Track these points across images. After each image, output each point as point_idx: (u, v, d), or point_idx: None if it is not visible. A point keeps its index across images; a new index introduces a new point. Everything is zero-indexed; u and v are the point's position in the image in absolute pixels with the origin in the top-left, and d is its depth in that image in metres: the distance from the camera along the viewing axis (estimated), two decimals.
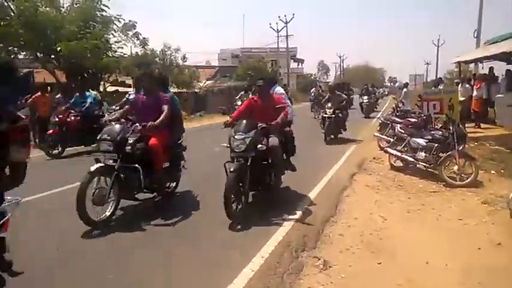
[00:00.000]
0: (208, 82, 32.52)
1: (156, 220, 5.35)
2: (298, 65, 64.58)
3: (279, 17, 45.79)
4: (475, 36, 24.88)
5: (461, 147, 7.90)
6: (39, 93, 12.09)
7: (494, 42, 16.30)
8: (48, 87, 14.84)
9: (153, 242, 4.68)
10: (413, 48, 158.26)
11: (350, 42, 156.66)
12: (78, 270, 3.96)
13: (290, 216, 5.49)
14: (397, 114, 12.28)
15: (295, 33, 61.57)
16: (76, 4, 18.37)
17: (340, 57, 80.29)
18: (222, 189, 5.02)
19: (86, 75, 18.28)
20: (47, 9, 17.35)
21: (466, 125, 12.34)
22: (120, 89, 22.11)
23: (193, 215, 5.64)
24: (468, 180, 7.39)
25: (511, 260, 4.30)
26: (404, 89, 19.66)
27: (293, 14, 46.61)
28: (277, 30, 45.09)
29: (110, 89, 21.01)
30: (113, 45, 19.03)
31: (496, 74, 15.25)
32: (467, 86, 14.00)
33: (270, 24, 46.15)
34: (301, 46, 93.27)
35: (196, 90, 29.74)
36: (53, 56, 17.58)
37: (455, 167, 7.57)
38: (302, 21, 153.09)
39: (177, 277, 3.83)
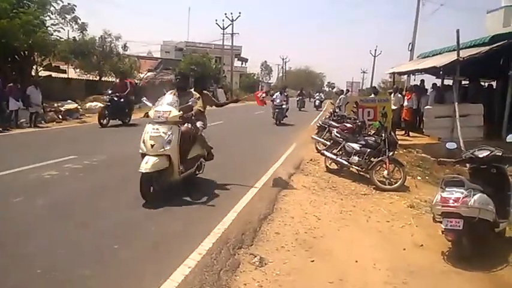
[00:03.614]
0: (149, 74, 31.65)
1: None
2: (242, 63, 64.80)
3: (225, 14, 45.64)
4: (410, 49, 26.48)
5: (391, 154, 8.37)
6: None
7: (426, 57, 17.47)
8: None
9: None
10: (352, 56, 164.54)
11: (293, 45, 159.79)
12: None
13: (229, 214, 5.52)
14: (334, 118, 12.75)
15: (240, 32, 61.49)
16: None
17: (283, 59, 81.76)
18: None
19: (17, 56, 17.08)
20: None
21: (396, 133, 13.10)
22: (54, 74, 20.84)
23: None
24: (396, 184, 7.87)
25: (431, 260, 4.64)
26: (342, 96, 20.34)
27: (239, 13, 46.80)
28: (223, 27, 44.94)
29: (43, 73, 19.71)
30: (49, 28, 17.90)
31: (426, 87, 16.33)
32: (399, 95, 14.86)
33: (216, 20, 45.77)
34: (245, 45, 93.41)
35: (136, 81, 28.88)
36: None
37: (385, 172, 8.03)
38: (248, 20, 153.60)
39: (113, 272, 3.72)
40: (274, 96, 19.74)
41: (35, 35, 16.21)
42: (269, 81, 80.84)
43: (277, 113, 18.97)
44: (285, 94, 20.65)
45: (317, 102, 34.57)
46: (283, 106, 19.22)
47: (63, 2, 19.11)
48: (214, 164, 7.38)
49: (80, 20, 21.90)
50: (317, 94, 39.35)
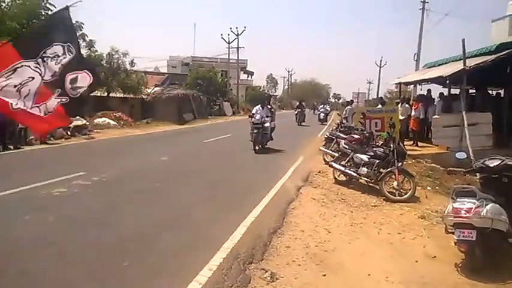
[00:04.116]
0: (156, 89, 31.87)
1: None
2: (248, 76, 65.21)
3: (230, 28, 46.17)
4: (415, 59, 26.54)
5: (400, 164, 8.31)
6: None
7: (431, 66, 17.42)
8: None
9: None
10: (358, 67, 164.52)
11: (299, 57, 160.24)
12: None
13: (238, 228, 5.50)
14: (341, 129, 12.73)
15: (246, 46, 61.75)
16: (18, 0, 17.44)
17: (288, 71, 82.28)
18: None
19: None
20: None
21: (405, 143, 13.03)
22: None
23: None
24: (406, 195, 7.78)
25: (444, 272, 4.57)
26: (348, 107, 20.37)
27: (244, 27, 47.33)
28: (229, 41, 45.37)
29: None
30: None
31: (432, 96, 16.26)
32: (406, 105, 14.79)
33: (221, 35, 46.30)
34: (251, 58, 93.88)
35: (143, 97, 29.09)
36: None
37: (395, 183, 7.95)
38: (253, 34, 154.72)
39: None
40: (253, 111, 14.29)
41: None
42: (275, 94, 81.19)
43: (256, 134, 13.29)
44: (269, 107, 15.05)
45: (321, 115, 30.55)
46: (266, 124, 13.64)
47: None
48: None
49: (87, 37, 22.27)
50: (321, 106, 35.82)
